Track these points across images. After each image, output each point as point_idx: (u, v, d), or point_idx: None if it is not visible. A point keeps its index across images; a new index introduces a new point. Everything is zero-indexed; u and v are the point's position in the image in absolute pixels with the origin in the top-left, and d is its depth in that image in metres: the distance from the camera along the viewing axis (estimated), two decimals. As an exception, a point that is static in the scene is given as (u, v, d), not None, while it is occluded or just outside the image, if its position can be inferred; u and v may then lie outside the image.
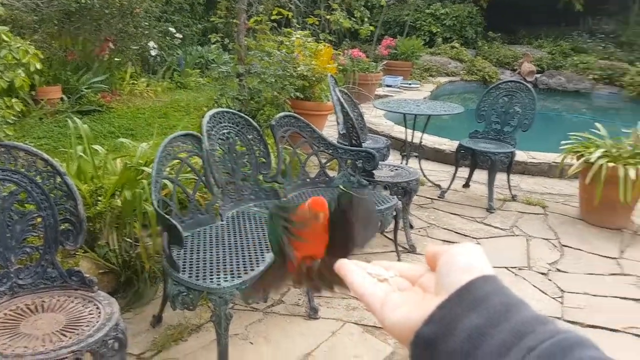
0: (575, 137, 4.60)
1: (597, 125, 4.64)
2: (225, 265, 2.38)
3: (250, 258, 2.47)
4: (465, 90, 12.03)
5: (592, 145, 4.38)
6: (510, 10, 13.74)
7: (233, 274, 2.30)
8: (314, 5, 8.10)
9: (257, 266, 2.40)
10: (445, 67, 12.44)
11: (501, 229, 4.26)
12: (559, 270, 3.62)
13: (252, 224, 2.87)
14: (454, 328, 0.44)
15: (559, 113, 11.12)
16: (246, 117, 3.20)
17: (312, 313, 2.96)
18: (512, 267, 3.62)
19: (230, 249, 2.55)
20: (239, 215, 2.99)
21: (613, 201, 4.05)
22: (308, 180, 3.60)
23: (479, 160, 4.71)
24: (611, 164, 4.06)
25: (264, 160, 3.22)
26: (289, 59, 5.30)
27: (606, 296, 3.31)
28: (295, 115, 3.55)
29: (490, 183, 4.64)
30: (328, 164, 3.79)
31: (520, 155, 5.57)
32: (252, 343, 2.70)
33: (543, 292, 3.31)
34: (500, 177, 4.79)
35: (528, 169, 5.69)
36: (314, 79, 5.56)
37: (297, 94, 5.31)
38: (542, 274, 3.56)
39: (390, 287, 0.56)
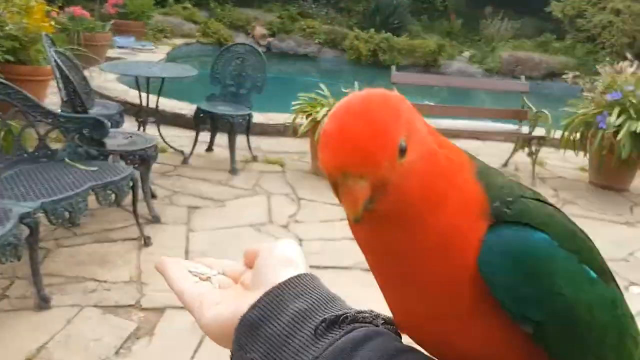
0: (303, 97, 4.93)
1: (322, 86, 5.05)
2: None
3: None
4: (202, 53, 11.94)
5: (319, 104, 4.76)
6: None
7: None
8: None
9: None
10: (180, 28, 12.14)
11: (244, 189, 4.38)
12: (297, 221, 3.89)
13: (-50, 213, 2.38)
14: (279, 313, 0.45)
15: (292, 76, 11.88)
16: None
17: (43, 303, 2.66)
18: (256, 224, 3.76)
19: None
20: None
21: (337, 154, 4.50)
22: (26, 155, 3.14)
23: (218, 124, 4.73)
24: (334, 120, 4.47)
25: (-40, 135, 2.68)
26: (-8, 16, 4.49)
27: (337, 239, 3.67)
28: (2, 81, 3.03)
29: (231, 145, 4.70)
30: (52, 135, 3.35)
31: (258, 117, 5.75)
32: (-36, 353, 2.28)
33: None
34: (241, 139, 4.90)
35: (266, 130, 5.94)
36: (26, 39, 4.85)
37: (8, 57, 4.58)
38: (283, 226, 3.78)
39: (212, 285, 0.53)
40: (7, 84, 3.04)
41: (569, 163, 5.92)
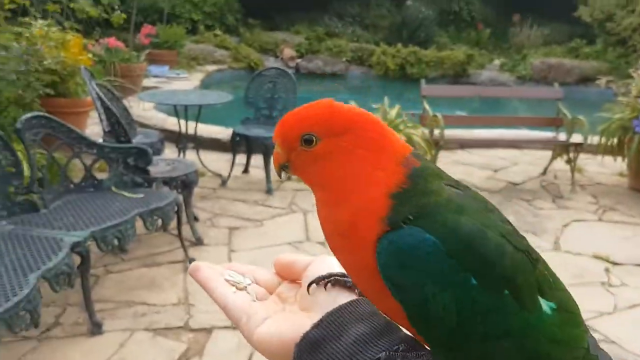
0: (335, 115, 4.98)
1: (351, 102, 5.09)
2: (-23, 297, 2.02)
3: (11, 283, 2.15)
4: (235, 77, 12.19)
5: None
6: (265, -3, 14.27)
7: (-11, 305, 1.97)
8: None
9: (21, 290, 2.09)
10: (212, 55, 12.43)
11: (281, 208, 4.44)
12: (335, 239, 3.91)
13: (8, 244, 2.49)
14: (341, 334, 0.47)
15: (321, 94, 11.92)
16: (-18, 122, 2.74)
17: (96, 329, 2.73)
18: (294, 242, 3.81)
19: (-19, 277, 2.17)
20: (-11, 236, 2.57)
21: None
22: (72, 186, 3.26)
23: (253, 146, 4.83)
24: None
25: (13, 169, 2.80)
26: (32, 52, 4.69)
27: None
28: (46, 115, 3.16)
29: (267, 166, 4.78)
30: (96, 165, 3.48)
31: (291, 137, 5.84)
32: (25, 378, 2.37)
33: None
34: (275, 159, 4.97)
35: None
36: (65, 72, 5.03)
37: (48, 90, 4.76)
38: (320, 243, 3.81)
39: (249, 296, 0.55)
40: (52, 117, 3.17)
41: (607, 169, 5.80)
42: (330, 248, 0.50)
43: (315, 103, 0.48)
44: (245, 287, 0.56)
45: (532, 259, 0.47)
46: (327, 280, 0.52)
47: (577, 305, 0.51)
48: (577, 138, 5.22)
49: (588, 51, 13.07)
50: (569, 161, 5.25)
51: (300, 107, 0.47)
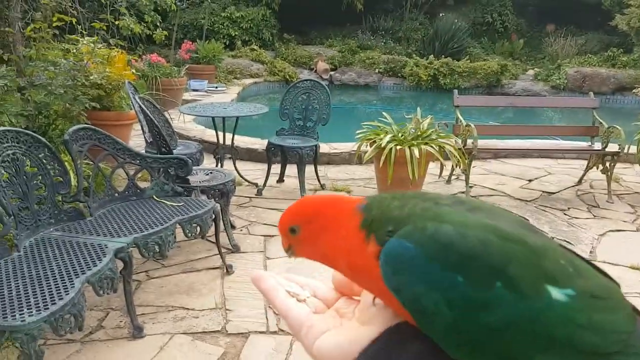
0: (367, 126, 5.05)
1: (385, 114, 5.16)
2: (28, 299, 2.15)
3: (57, 287, 2.27)
4: (270, 90, 12.41)
5: (382, 132, 4.85)
6: (300, 12, 14.49)
7: (39, 307, 2.09)
8: (100, 9, 7.60)
9: (67, 294, 2.21)
10: (248, 69, 12.69)
11: (315, 217, 4.50)
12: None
13: (55, 250, 2.63)
14: (400, 351, 0.48)
15: (354, 106, 12.08)
16: (33, 134, 2.91)
17: (137, 332, 2.83)
18: (328, 252, 3.86)
19: (31, 280, 2.30)
20: (38, 242, 2.71)
21: (404, 179, 4.55)
22: (116, 195, 3.40)
23: (288, 156, 4.93)
24: (399, 147, 4.55)
25: (61, 179, 2.96)
26: (79, 68, 4.92)
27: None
28: (92, 127, 3.33)
29: (301, 175, 4.88)
30: (138, 175, 3.63)
31: (324, 148, 5.94)
32: (72, 377, 2.49)
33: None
34: (309, 169, 5.07)
35: (332, 159, 6.11)
36: (110, 87, 5.25)
37: (94, 104, 4.97)
38: (355, 253, 3.86)
39: (308, 308, 0.58)
40: (98, 130, 3.33)
41: (646, 178, 5.68)
42: (363, 288, 0.58)
43: (297, 202, 0.61)
44: (305, 299, 0.59)
45: (533, 248, 0.48)
46: None
47: (616, 292, 0.52)
48: (613, 147, 5.14)
49: (625, 60, 12.79)
50: (604, 171, 5.17)
51: (290, 206, 0.60)
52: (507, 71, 12.96)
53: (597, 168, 5.28)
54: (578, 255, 0.53)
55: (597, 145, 5.28)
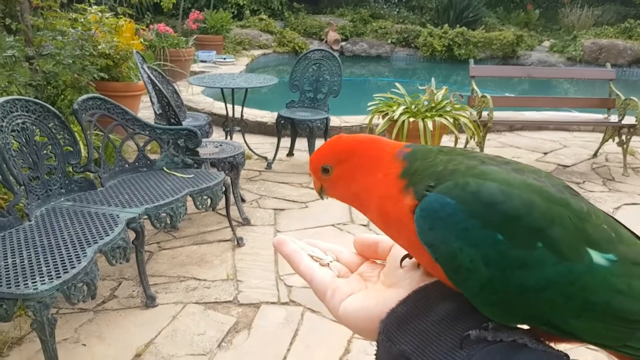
0: (379, 98, 4.97)
1: (397, 85, 5.07)
2: (40, 267, 2.15)
3: (70, 256, 2.27)
4: (279, 62, 12.27)
5: (395, 104, 4.78)
6: (310, -20, 14.23)
7: (51, 275, 2.09)
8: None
9: (79, 262, 2.21)
10: (257, 39, 12.53)
11: (325, 190, 4.47)
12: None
13: (67, 220, 2.62)
14: (428, 311, 0.48)
15: (365, 78, 11.93)
16: (43, 103, 2.88)
17: (150, 302, 2.85)
18: (337, 224, 3.85)
19: (43, 249, 2.30)
20: (49, 212, 2.71)
21: (417, 152, 4.48)
22: (127, 165, 3.39)
23: (298, 129, 4.87)
24: (412, 119, 4.48)
25: (71, 148, 2.95)
26: (87, 37, 4.87)
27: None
28: (101, 96, 3.29)
29: (311, 149, 4.83)
30: (148, 146, 3.60)
31: (335, 121, 5.87)
32: (85, 345, 2.51)
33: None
34: (320, 143, 5.01)
35: (343, 132, 6.03)
36: (118, 57, 5.20)
37: (102, 74, 4.93)
38: (364, 225, 3.84)
39: (332, 272, 0.58)
40: (107, 99, 3.30)
41: (663, 152, 5.58)
42: (391, 238, 0.56)
43: (329, 140, 0.59)
44: (328, 263, 0.59)
45: (577, 211, 0.47)
46: None
47: None
48: (629, 120, 5.03)
49: (643, 31, 12.50)
50: (621, 143, 5.07)
51: (322, 144, 0.60)
52: (522, 42, 12.71)
53: (613, 141, 5.19)
54: (619, 222, 0.51)
55: (614, 118, 5.17)
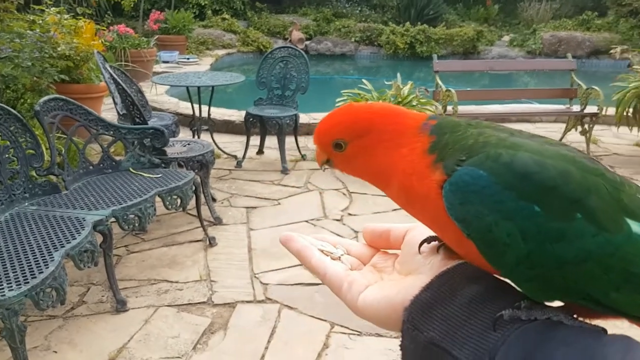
0: (347, 94, 4.98)
1: (364, 81, 5.09)
2: (7, 273, 2.07)
3: (37, 261, 2.19)
4: (244, 61, 12.18)
5: (362, 99, 4.79)
6: (272, -20, 14.17)
7: (19, 281, 2.02)
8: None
9: (47, 267, 2.14)
10: (221, 39, 12.41)
11: (297, 187, 4.46)
12: (350, 214, 3.94)
13: (32, 224, 2.54)
14: (454, 295, 0.46)
15: (331, 76, 11.95)
16: (3, 106, 2.78)
17: (120, 306, 2.78)
18: (311, 220, 3.83)
19: (9, 255, 2.22)
20: (14, 217, 2.61)
21: (387, 146, 4.51)
22: (91, 167, 3.30)
23: (267, 126, 4.83)
24: (381, 114, 4.49)
25: (33, 152, 2.85)
26: (46, 39, 4.72)
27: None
28: (63, 97, 3.20)
29: (281, 146, 4.80)
30: (112, 148, 3.51)
31: (304, 118, 5.85)
32: (56, 352, 2.43)
33: (340, 236, 3.55)
34: (289, 140, 4.99)
35: (312, 130, 5.97)
36: (78, 58, 5.06)
37: (62, 76, 4.78)
38: (337, 220, 3.84)
39: (345, 265, 0.56)
40: (70, 100, 3.20)
41: (623, 139, 5.76)
42: (413, 216, 0.53)
43: (340, 110, 0.54)
44: (339, 257, 0.57)
45: (612, 181, 0.46)
46: (440, 244, 0.53)
47: None
48: (591, 109, 5.17)
49: (600, 23, 12.87)
50: (583, 132, 5.21)
51: (328, 114, 0.54)
52: (483, 37, 12.94)
53: (576, 130, 5.32)
54: None
55: (575, 108, 5.31)
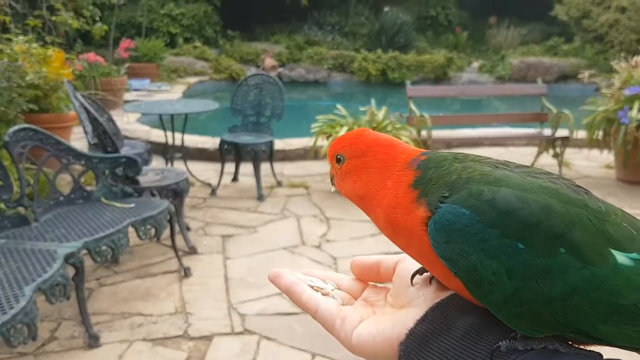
0: (322, 120, 4.99)
1: (339, 106, 5.11)
2: (-28, 312, 1.96)
3: (7, 296, 2.10)
4: (217, 88, 12.17)
5: (337, 124, 4.81)
6: (243, 9, 14.29)
7: (-16, 319, 1.91)
8: (34, 6, 7.19)
9: (17, 303, 2.04)
10: (192, 67, 12.40)
11: (273, 214, 4.41)
12: (328, 240, 3.90)
13: (1, 258, 2.44)
14: (449, 327, 0.46)
15: (304, 103, 12.02)
16: (-31, 135, 2.68)
17: (93, 341, 2.67)
18: (289, 247, 3.78)
19: (-25, 292, 2.11)
20: (-20, 251, 2.50)
21: (363, 171, 4.51)
22: (62, 198, 3.20)
23: (243, 153, 4.80)
24: (356, 139, 4.51)
25: (2, 183, 2.75)
26: (14, 68, 4.62)
27: (371, 254, 3.67)
28: (33, 127, 3.11)
29: (257, 173, 4.76)
30: (82, 178, 3.42)
31: (279, 144, 5.84)
32: (23, 394, 2.31)
33: (319, 263, 3.53)
34: (265, 167, 4.96)
35: (287, 156, 6.01)
36: (48, 87, 4.98)
37: (31, 106, 4.69)
38: (316, 247, 3.79)
39: (336, 300, 0.55)
40: (40, 130, 3.12)
41: (594, 162, 5.89)
42: (400, 248, 0.53)
43: (352, 131, 0.57)
44: (329, 292, 0.56)
45: (596, 211, 0.46)
46: (432, 275, 0.52)
47: None
48: (562, 133, 5.28)
49: (566, 49, 13.31)
50: (555, 155, 5.31)
51: (345, 132, 0.57)
52: (453, 64, 13.23)
53: (548, 153, 5.42)
54: (637, 219, 0.50)
55: (547, 132, 5.41)
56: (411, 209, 0.48)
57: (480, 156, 0.52)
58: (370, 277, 0.59)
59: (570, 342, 0.45)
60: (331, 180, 0.59)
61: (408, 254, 0.52)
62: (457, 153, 0.53)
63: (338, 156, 0.56)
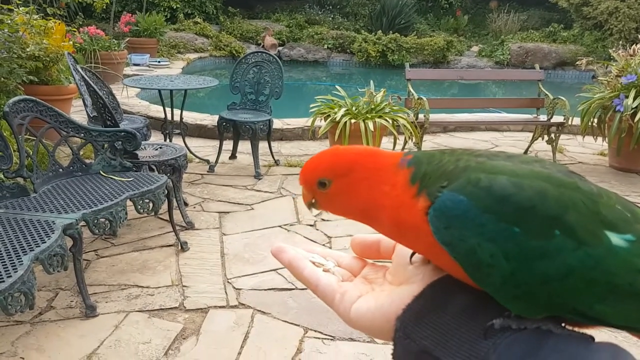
0: (321, 100, 5.01)
1: (338, 87, 5.12)
2: (-28, 278, 2.01)
3: (5, 265, 2.14)
4: (216, 66, 12.11)
5: (336, 105, 4.83)
6: (245, -15, 14.14)
7: (-15, 286, 1.96)
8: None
9: (15, 272, 2.09)
10: (193, 43, 12.31)
11: (270, 192, 4.45)
12: (323, 220, 3.95)
13: (0, 228, 2.47)
14: (446, 304, 0.47)
15: (304, 82, 11.98)
16: (-30, 105, 2.71)
17: (90, 311, 2.73)
18: (284, 225, 3.83)
19: (-25, 259, 2.16)
20: (-20, 220, 2.54)
21: (359, 152, 4.55)
22: (61, 170, 3.24)
23: (241, 131, 4.82)
24: (353, 121, 4.54)
25: (1, 153, 2.78)
26: (14, 39, 4.61)
27: (366, 234, 3.73)
28: (33, 98, 3.13)
29: (254, 151, 4.79)
30: (81, 151, 3.45)
31: (277, 123, 5.86)
32: (23, 358, 2.37)
33: (314, 241, 3.58)
34: (263, 145, 4.99)
35: (285, 135, 6.04)
36: (48, 59, 4.97)
37: (31, 77, 4.69)
38: (311, 225, 3.85)
39: (336, 277, 0.56)
40: (40, 101, 3.14)
41: (588, 149, 5.93)
42: (407, 247, 0.54)
43: (324, 151, 0.57)
44: (330, 269, 0.57)
45: (588, 193, 0.47)
46: None
47: None
48: (557, 119, 5.32)
49: (565, 35, 13.26)
50: (550, 141, 5.35)
51: (314, 156, 0.57)
52: (452, 47, 13.17)
53: (543, 139, 5.46)
54: (632, 202, 0.52)
55: (543, 117, 5.45)
56: (413, 204, 0.49)
57: (469, 149, 0.54)
58: (370, 255, 0.60)
59: (564, 324, 0.46)
60: (309, 206, 0.58)
61: (416, 250, 0.53)
62: (443, 149, 0.55)
63: (321, 181, 0.55)
